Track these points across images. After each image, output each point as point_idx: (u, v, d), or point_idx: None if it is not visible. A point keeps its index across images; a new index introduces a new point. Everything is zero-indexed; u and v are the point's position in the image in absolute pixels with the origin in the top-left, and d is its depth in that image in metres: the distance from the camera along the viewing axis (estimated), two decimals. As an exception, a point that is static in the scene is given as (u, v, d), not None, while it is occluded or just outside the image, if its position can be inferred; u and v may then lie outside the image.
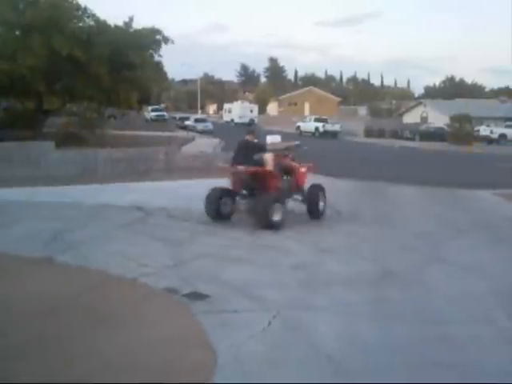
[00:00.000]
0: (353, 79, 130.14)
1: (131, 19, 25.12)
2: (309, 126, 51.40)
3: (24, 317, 5.48)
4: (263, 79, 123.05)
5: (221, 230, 9.53)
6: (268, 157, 10.17)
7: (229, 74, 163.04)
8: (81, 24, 24.15)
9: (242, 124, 57.25)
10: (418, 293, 6.53)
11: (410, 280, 7.07)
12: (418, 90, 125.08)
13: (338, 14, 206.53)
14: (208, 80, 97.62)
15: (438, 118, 53.66)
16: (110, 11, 60.08)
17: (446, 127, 46.36)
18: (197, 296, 6.11)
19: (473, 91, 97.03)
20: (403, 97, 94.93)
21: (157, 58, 26.67)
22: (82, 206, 11.42)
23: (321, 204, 10.78)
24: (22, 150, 16.59)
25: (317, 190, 10.87)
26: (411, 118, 61.55)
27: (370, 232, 9.81)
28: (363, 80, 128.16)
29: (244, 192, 10.49)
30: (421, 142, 44.39)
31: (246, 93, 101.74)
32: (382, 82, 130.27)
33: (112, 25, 24.65)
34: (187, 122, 50.85)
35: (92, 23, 24.27)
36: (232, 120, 62.33)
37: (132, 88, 25.42)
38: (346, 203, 12.56)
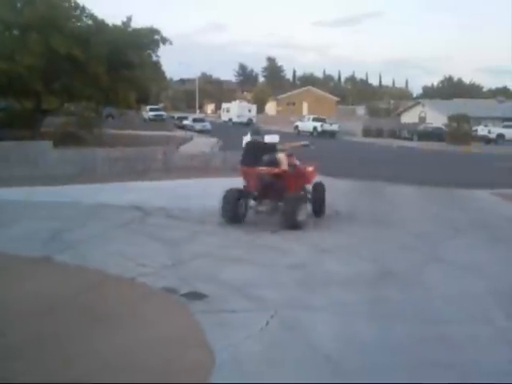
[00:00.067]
0: (351, 79, 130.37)
1: (129, 19, 25.12)
2: (307, 125, 51.43)
3: (22, 316, 5.47)
4: (261, 79, 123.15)
5: (220, 230, 9.52)
6: (282, 157, 10.13)
7: (227, 73, 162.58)
8: (79, 24, 24.13)
9: (240, 123, 57.33)
10: (416, 292, 6.54)
11: (408, 280, 7.08)
12: (416, 89, 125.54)
13: (336, 14, 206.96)
14: (206, 79, 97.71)
15: (436, 117, 53.76)
16: (109, 11, 60.04)
17: (443, 127, 46.47)
18: (195, 296, 6.11)
19: (471, 91, 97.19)
20: (401, 97, 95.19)
21: (155, 58, 26.70)
22: (80, 205, 11.41)
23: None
24: (20, 149, 16.57)
25: (321, 188, 10.97)
26: (409, 117, 61.64)
27: (368, 232, 9.82)
28: (361, 80, 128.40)
29: (257, 193, 10.24)
30: (419, 141, 44.47)
31: (244, 92, 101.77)
32: (380, 81, 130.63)
33: (110, 24, 24.66)
34: (185, 122, 50.86)
35: (90, 22, 24.26)
36: (230, 119, 62.36)
37: (130, 87, 25.43)
38: (345, 203, 12.56)
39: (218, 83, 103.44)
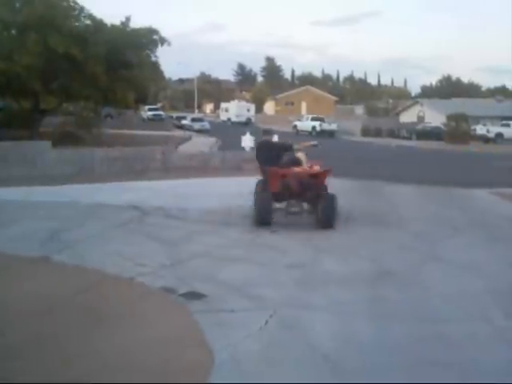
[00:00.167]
0: (350, 78, 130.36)
1: (128, 19, 25.12)
2: (306, 125, 51.44)
3: (21, 316, 5.47)
4: (260, 78, 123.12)
5: (218, 230, 9.51)
6: (303, 156, 10.11)
7: (226, 73, 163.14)
8: (77, 23, 24.12)
9: (239, 123, 57.33)
10: (414, 292, 6.54)
11: (406, 279, 7.08)
12: (414, 89, 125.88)
13: (335, 13, 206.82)
14: (205, 79, 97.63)
15: (434, 117, 53.76)
16: (107, 11, 60.07)
17: (442, 126, 46.47)
18: (194, 295, 6.11)
19: (469, 90, 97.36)
20: (400, 96, 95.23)
21: (153, 58, 26.71)
22: (78, 205, 11.40)
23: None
24: (18, 149, 16.56)
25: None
26: (408, 117, 61.63)
27: (366, 231, 9.82)
28: (360, 79, 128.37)
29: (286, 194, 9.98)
30: (417, 141, 44.50)
31: (243, 92, 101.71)
32: (378, 81, 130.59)
33: (109, 24, 24.65)
34: (184, 122, 50.85)
35: (89, 22, 24.24)
36: (229, 119, 62.38)
37: (129, 87, 25.42)
38: (343, 203, 12.51)
39: (217, 83, 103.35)
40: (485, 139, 45.34)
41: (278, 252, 8.15)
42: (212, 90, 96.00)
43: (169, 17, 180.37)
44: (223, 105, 68.05)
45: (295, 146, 10.58)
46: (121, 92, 24.96)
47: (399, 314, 5.77)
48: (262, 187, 10.27)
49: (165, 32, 28.61)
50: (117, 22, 25.22)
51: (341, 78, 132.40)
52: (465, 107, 48.28)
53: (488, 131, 46.36)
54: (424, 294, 6.46)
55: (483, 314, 5.86)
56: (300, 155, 10.13)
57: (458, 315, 5.83)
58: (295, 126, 52.38)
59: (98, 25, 24.03)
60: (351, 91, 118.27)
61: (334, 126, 50.83)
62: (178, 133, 39.98)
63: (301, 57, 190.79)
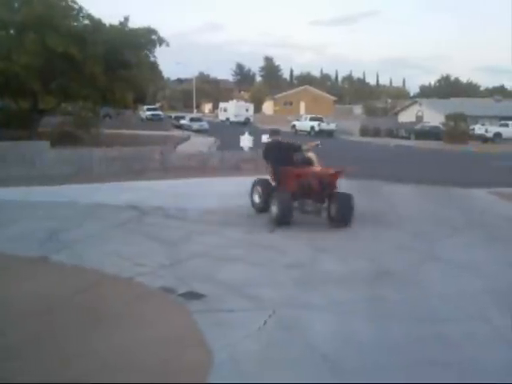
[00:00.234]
0: (348, 78, 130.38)
1: (127, 19, 25.14)
2: (304, 124, 51.47)
3: (19, 316, 5.47)
4: (258, 78, 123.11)
5: (217, 230, 9.51)
6: (314, 156, 10.17)
7: (224, 73, 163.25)
8: (76, 24, 24.11)
9: (238, 123, 57.34)
10: (413, 291, 6.55)
11: (405, 279, 7.08)
12: (413, 89, 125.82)
13: (333, 13, 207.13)
14: (203, 79, 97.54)
15: (433, 116, 53.80)
16: (106, 11, 60.11)
17: (441, 126, 46.49)
18: (193, 295, 6.11)
19: (468, 90, 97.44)
20: (398, 96, 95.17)
21: (152, 58, 26.72)
22: (77, 205, 11.39)
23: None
24: (17, 149, 16.55)
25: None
26: (406, 116, 61.65)
27: (365, 231, 9.82)
28: (359, 79, 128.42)
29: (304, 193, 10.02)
30: (416, 140, 44.48)
31: (242, 92, 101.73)
32: (377, 81, 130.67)
33: (107, 24, 24.65)
34: (182, 121, 50.83)
35: (87, 22, 24.23)
36: (227, 119, 62.37)
37: (127, 87, 25.42)
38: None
39: (216, 83, 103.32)
40: (483, 139, 45.37)
41: (277, 252, 8.14)
42: (210, 89, 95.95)
43: (167, 17, 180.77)
44: (222, 105, 68.04)
45: (303, 147, 10.64)
46: (119, 92, 24.96)
47: (398, 314, 5.78)
48: (278, 188, 10.31)
49: (163, 32, 28.71)
50: (115, 22, 25.26)
51: (339, 78, 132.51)
52: (463, 107, 48.30)
53: (486, 131, 46.39)
54: (423, 294, 6.46)
55: (482, 313, 5.87)
56: (311, 155, 10.22)
57: (457, 315, 5.84)
58: (294, 126, 52.40)
59: (97, 25, 24.03)
60: (350, 91, 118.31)
61: (332, 126, 50.85)
62: (177, 133, 39.96)
63: (299, 57, 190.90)
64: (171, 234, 8.99)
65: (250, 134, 21.99)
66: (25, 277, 6.80)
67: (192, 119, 51.04)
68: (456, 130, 42.88)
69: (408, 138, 47.13)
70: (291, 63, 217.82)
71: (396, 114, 67.68)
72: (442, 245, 8.90)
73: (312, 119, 51.76)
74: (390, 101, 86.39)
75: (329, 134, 48.61)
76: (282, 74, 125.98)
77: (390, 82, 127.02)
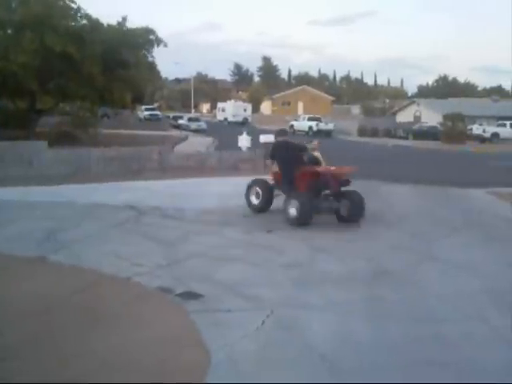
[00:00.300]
0: (346, 78, 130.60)
1: (125, 19, 25.15)
2: (302, 124, 51.53)
3: (18, 316, 5.46)
4: (256, 78, 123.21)
5: (215, 230, 9.51)
6: (319, 156, 10.21)
7: (222, 73, 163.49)
8: (73, 23, 24.09)
9: (236, 123, 57.36)
10: (411, 291, 6.55)
11: (403, 279, 7.08)
12: (411, 89, 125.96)
13: (331, 13, 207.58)
14: (201, 79, 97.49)
15: (431, 116, 53.91)
16: (104, 10, 60.09)
17: (439, 126, 46.56)
18: (190, 295, 6.10)
19: (465, 90, 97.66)
20: (396, 96, 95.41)
21: (150, 57, 26.72)
22: (75, 205, 11.39)
23: None
24: (14, 149, 16.53)
25: None
26: (404, 116, 61.77)
27: (363, 231, 9.83)
28: (356, 79, 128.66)
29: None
30: (414, 140, 44.56)
31: (240, 92, 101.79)
32: (375, 81, 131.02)
33: (105, 24, 24.64)
34: (181, 121, 50.86)
35: (85, 22, 24.22)
36: (225, 119, 62.42)
37: (126, 87, 25.43)
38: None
39: (214, 83, 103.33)
40: (481, 139, 45.44)
41: (275, 252, 8.14)
42: (209, 89, 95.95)
43: (165, 17, 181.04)
44: (220, 105, 68.09)
45: (309, 146, 10.68)
46: (117, 92, 24.95)
47: (396, 314, 5.78)
48: (283, 187, 10.33)
49: (161, 32, 28.76)
50: (113, 21, 25.27)
51: (337, 78, 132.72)
52: (461, 107, 48.43)
53: (484, 131, 46.46)
54: (421, 294, 6.47)
55: (480, 313, 5.87)
56: (317, 155, 10.27)
57: (455, 315, 5.84)
58: (292, 126, 52.40)
59: (95, 24, 24.01)
60: (348, 91, 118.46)
61: (330, 126, 50.90)
62: (175, 133, 39.99)
63: (297, 57, 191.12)
64: (169, 234, 8.98)
65: (248, 134, 21.99)
66: (23, 277, 6.79)
67: (190, 119, 51.06)
68: (454, 130, 42.95)
69: (406, 138, 47.21)
70: (289, 63, 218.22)
71: (394, 114, 67.81)
72: (440, 245, 8.91)
73: (310, 119, 51.83)
74: (387, 101, 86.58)
75: (327, 134, 48.64)
76: (279, 74, 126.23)
77: (388, 82, 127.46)
